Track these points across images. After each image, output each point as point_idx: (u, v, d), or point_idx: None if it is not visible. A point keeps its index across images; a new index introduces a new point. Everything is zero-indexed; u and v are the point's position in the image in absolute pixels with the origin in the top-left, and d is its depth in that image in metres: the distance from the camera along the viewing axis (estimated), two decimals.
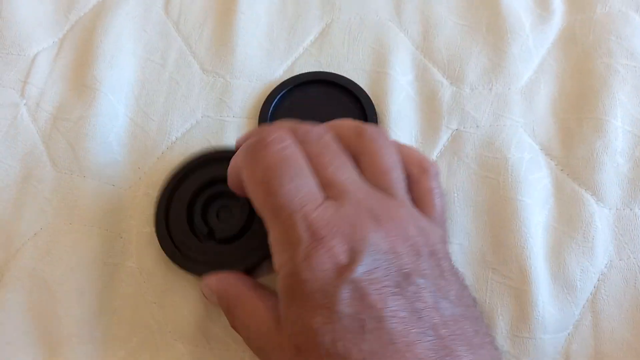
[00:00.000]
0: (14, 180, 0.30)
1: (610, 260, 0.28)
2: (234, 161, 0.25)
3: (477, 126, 0.31)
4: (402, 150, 0.25)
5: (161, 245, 0.28)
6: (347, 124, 0.25)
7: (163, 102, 0.33)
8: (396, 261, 0.21)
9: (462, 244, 0.29)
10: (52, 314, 0.27)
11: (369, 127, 0.25)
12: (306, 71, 0.33)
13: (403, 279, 0.21)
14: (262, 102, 0.32)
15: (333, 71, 0.33)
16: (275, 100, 0.32)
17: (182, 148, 0.31)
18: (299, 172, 0.22)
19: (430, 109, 0.32)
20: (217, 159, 0.29)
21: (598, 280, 0.28)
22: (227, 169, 0.28)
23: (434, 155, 0.31)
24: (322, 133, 0.24)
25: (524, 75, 0.33)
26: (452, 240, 0.29)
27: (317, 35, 0.35)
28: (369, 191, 0.23)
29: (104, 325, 0.27)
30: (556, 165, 0.30)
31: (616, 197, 0.29)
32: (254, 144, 0.22)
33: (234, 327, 0.24)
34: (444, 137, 0.31)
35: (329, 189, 0.22)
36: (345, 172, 0.23)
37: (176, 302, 0.28)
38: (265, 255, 0.27)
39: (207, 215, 0.28)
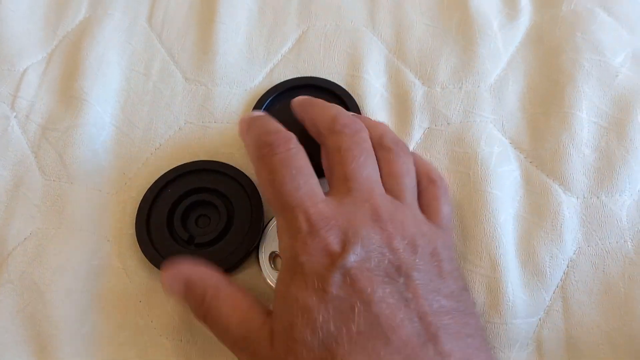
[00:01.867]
0: (5, 188, 0.31)
1: (579, 247, 0.29)
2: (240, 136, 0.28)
3: (448, 123, 0.33)
4: (417, 162, 0.28)
5: (142, 250, 0.29)
6: (376, 127, 0.28)
7: (147, 111, 0.34)
8: (390, 255, 0.23)
9: None
10: (42, 314, 0.28)
11: (391, 134, 0.28)
12: (284, 77, 0.35)
13: (395, 270, 0.23)
14: (252, 107, 0.33)
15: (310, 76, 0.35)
16: (265, 104, 0.33)
17: (166, 154, 0.33)
18: (299, 173, 0.24)
19: (403, 108, 0.33)
20: (196, 170, 0.31)
21: (567, 267, 0.29)
22: (205, 180, 0.31)
23: None
24: (358, 129, 0.27)
25: (492, 73, 0.34)
26: None
27: (295, 42, 0.36)
28: (380, 193, 0.25)
29: (92, 323, 0.28)
30: (525, 158, 0.32)
31: (583, 187, 0.30)
32: (261, 146, 0.25)
33: (206, 319, 0.25)
34: (417, 135, 0.32)
35: (343, 182, 0.25)
36: (365, 171, 0.25)
37: (161, 299, 0.29)
38: (241, 260, 0.29)
39: (187, 222, 0.30)
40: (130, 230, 0.30)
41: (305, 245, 0.23)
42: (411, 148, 0.32)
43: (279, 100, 0.34)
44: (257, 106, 0.33)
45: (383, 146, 0.27)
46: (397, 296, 0.22)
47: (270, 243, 0.29)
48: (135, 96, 0.35)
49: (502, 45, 0.35)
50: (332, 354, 0.21)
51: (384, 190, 0.26)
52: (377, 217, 0.24)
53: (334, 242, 0.23)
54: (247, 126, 0.27)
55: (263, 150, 0.25)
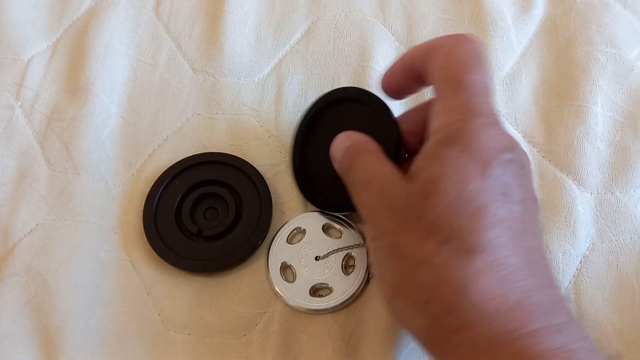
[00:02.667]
0: (10, 179, 0.31)
1: (592, 243, 0.29)
2: (419, 45, 0.26)
3: None
4: None
5: (149, 243, 0.29)
6: None
7: (154, 101, 0.34)
8: (527, 172, 0.23)
9: None
10: (48, 306, 0.28)
11: None
12: (293, 68, 0.34)
13: (532, 190, 0.23)
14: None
15: (319, 67, 0.34)
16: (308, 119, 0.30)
17: (173, 145, 0.32)
18: (484, 69, 0.23)
19: (414, 102, 0.33)
20: (205, 162, 0.31)
21: (580, 263, 0.28)
22: (213, 172, 0.30)
23: None
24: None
25: (505, 66, 0.33)
26: None
27: (304, 32, 0.36)
28: None
29: (99, 317, 0.28)
30: (538, 152, 0.31)
31: (597, 182, 0.30)
32: (454, 37, 0.24)
33: (352, 168, 0.25)
34: None
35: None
36: None
37: (168, 292, 0.28)
38: (249, 253, 0.28)
39: (195, 215, 0.30)
40: (138, 222, 0.30)
41: (486, 128, 0.22)
42: None
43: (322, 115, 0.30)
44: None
45: None
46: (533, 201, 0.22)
47: (281, 253, 0.29)
48: (142, 87, 0.34)
49: (516, 37, 0.34)
50: (473, 218, 0.20)
51: None
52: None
53: (506, 137, 0.22)
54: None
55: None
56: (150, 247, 0.29)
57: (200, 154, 0.31)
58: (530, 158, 0.31)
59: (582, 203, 0.29)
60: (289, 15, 0.36)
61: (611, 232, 0.29)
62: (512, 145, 0.22)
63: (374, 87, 0.33)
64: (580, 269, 0.28)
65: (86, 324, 0.28)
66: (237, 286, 0.28)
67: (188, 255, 0.28)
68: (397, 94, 0.27)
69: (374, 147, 0.25)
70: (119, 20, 0.36)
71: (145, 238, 0.29)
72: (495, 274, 0.20)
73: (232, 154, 0.31)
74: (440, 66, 0.23)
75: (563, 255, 0.28)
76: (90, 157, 0.31)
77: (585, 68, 0.32)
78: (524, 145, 0.31)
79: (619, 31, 0.34)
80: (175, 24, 0.36)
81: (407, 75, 0.26)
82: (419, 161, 0.22)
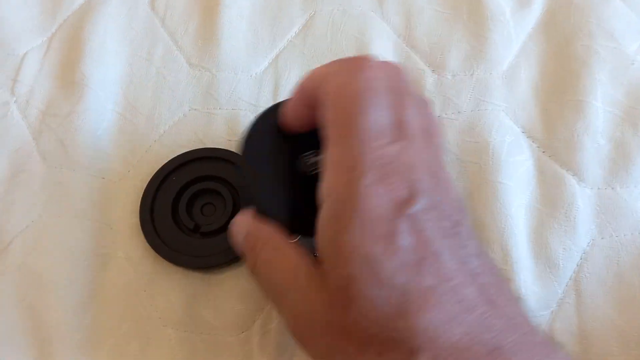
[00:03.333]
0: (4, 176, 0.31)
1: (593, 239, 0.29)
2: (315, 72, 0.23)
3: (458, 112, 0.32)
4: None
5: (147, 239, 0.28)
6: None
7: (150, 97, 0.33)
8: (446, 209, 0.21)
9: None
10: (43, 304, 0.27)
11: None
12: (290, 62, 0.34)
13: (453, 225, 0.21)
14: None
15: (316, 62, 0.34)
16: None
17: (169, 141, 0.32)
18: (382, 105, 0.21)
19: None
20: (202, 157, 0.30)
21: (581, 259, 0.28)
22: (211, 168, 0.29)
23: None
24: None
25: (505, 60, 0.33)
26: None
27: (301, 27, 0.35)
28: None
29: (94, 314, 0.28)
30: (538, 147, 0.31)
31: (597, 177, 0.30)
32: (352, 61, 0.22)
33: (255, 270, 0.23)
34: None
35: (399, 128, 0.21)
36: (418, 118, 0.22)
37: (165, 289, 0.28)
38: None
39: (192, 210, 0.29)
40: (134, 218, 0.29)
41: (371, 188, 0.20)
42: None
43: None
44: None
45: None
46: (460, 251, 0.20)
47: None
48: (138, 82, 0.34)
49: (515, 31, 0.34)
50: (400, 310, 0.19)
51: None
52: (430, 169, 0.22)
53: (402, 188, 0.20)
54: None
55: (354, 64, 0.22)
56: (147, 243, 0.28)
57: (197, 150, 0.31)
58: (530, 153, 0.30)
59: (583, 199, 0.29)
60: (286, 9, 0.36)
61: (611, 228, 0.29)
62: (411, 194, 0.20)
63: None
64: (580, 265, 0.28)
65: (81, 322, 0.27)
66: (235, 283, 0.28)
67: (185, 252, 0.28)
68: (305, 128, 0.24)
69: (272, 233, 0.23)
70: (114, 15, 0.36)
71: (142, 234, 0.29)
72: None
73: (229, 149, 0.31)
74: (330, 103, 0.21)
75: (563, 252, 0.28)
76: (86, 153, 0.31)
77: (585, 62, 0.32)
78: (524, 140, 0.31)
79: (618, 25, 0.34)
80: (171, 18, 0.36)
81: (309, 109, 0.23)
82: (323, 248, 0.20)
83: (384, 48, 0.34)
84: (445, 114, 0.32)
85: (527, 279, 0.27)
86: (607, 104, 0.31)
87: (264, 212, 0.24)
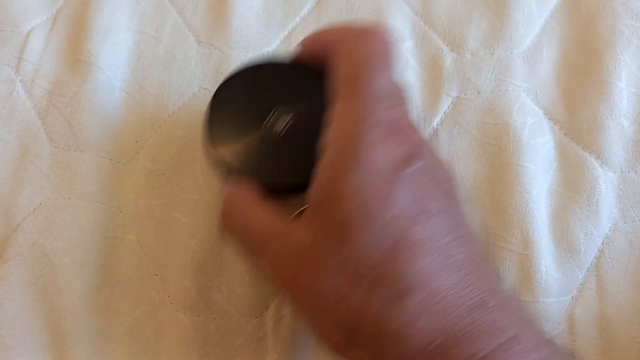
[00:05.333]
0: (12, 157, 0.30)
1: (615, 224, 0.28)
2: (324, 32, 0.25)
3: (478, 92, 0.31)
4: None
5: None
6: None
7: (159, 76, 0.32)
8: (440, 175, 0.22)
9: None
10: (54, 287, 0.27)
11: None
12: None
13: (446, 191, 0.22)
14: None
15: None
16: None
17: (179, 121, 0.31)
18: (388, 73, 0.23)
19: (430, 76, 0.32)
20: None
21: (602, 244, 0.28)
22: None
23: (434, 123, 0.30)
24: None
25: (526, 39, 0.32)
26: None
27: (314, 4, 0.34)
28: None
29: (106, 298, 0.27)
30: (560, 129, 0.30)
31: (621, 160, 0.29)
32: (364, 27, 0.24)
33: (233, 229, 0.24)
34: (445, 105, 0.31)
35: (398, 96, 0.23)
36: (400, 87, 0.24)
37: (177, 273, 0.27)
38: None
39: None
40: (145, 201, 0.29)
41: (377, 144, 0.21)
42: (438, 118, 0.31)
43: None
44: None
45: None
46: (447, 215, 0.21)
47: None
48: (146, 60, 0.33)
49: (537, 9, 0.33)
50: (392, 256, 0.20)
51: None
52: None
53: (405, 148, 0.21)
54: None
55: (366, 30, 0.24)
56: (160, 224, 0.27)
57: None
58: (552, 135, 0.30)
59: (605, 182, 0.28)
60: None
61: (634, 212, 0.28)
62: (411, 155, 0.21)
63: None
64: (602, 250, 0.27)
65: (93, 306, 0.27)
66: (249, 267, 0.28)
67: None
68: (310, 61, 0.26)
69: (249, 193, 0.24)
70: None
71: (151, 218, 0.28)
72: (434, 308, 0.19)
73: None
74: (342, 63, 0.23)
75: (585, 237, 0.27)
76: (94, 134, 0.30)
77: (609, 42, 0.31)
78: (545, 122, 0.30)
79: None
80: None
81: (322, 50, 0.25)
82: (321, 187, 0.21)
83: (400, 25, 0.33)
84: (465, 94, 0.31)
85: (548, 264, 0.27)
86: (631, 85, 0.30)
87: (237, 173, 0.25)
